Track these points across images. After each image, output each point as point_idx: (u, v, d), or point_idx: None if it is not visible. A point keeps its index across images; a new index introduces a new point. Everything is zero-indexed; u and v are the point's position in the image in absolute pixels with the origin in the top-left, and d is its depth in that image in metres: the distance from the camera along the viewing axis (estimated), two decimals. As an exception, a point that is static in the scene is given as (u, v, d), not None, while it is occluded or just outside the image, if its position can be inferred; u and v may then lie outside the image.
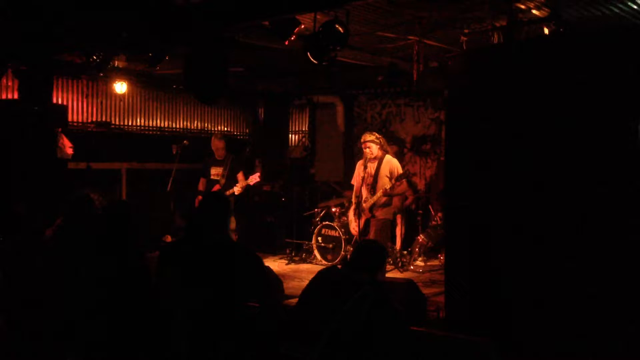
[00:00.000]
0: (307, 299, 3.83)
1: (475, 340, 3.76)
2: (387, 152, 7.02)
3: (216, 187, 8.44)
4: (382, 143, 6.98)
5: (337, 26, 5.49)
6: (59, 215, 4.79)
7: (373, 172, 6.90)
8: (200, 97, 6.56)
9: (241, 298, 3.59)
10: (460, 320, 4.87)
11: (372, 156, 6.90)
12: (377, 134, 7.05)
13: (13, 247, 4.67)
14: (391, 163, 6.90)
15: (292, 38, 5.84)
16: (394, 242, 8.86)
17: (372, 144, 6.89)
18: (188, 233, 3.83)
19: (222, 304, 3.51)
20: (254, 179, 8.36)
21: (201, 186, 8.68)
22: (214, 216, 3.80)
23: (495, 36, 5.82)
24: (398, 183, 6.78)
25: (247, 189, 8.57)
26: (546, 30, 5.70)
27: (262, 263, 3.84)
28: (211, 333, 3.48)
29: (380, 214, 6.86)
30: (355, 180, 7.15)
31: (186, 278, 3.62)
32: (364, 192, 6.97)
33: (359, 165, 7.13)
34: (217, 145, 8.58)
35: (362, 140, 7.06)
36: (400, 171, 6.85)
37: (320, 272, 3.93)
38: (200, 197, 8.47)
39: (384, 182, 6.81)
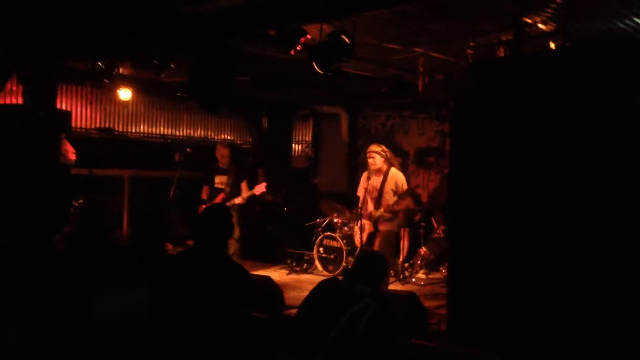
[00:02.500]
0: (307, 310, 3.80)
1: (477, 353, 3.72)
2: (392, 166, 6.98)
3: (221, 196, 8.42)
4: (389, 157, 6.95)
5: (343, 37, 5.48)
6: (66, 222, 4.73)
7: (378, 185, 6.87)
8: (205, 106, 6.56)
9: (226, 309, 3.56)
10: (462, 333, 4.83)
11: (376, 168, 6.87)
12: (384, 147, 7.02)
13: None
14: (396, 177, 6.87)
15: (298, 48, 5.83)
16: (398, 256, 8.83)
17: (377, 155, 6.87)
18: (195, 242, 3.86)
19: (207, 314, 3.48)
20: (260, 188, 8.33)
21: (205, 195, 8.66)
22: (208, 226, 3.84)
23: (502, 50, 5.82)
24: (402, 199, 6.75)
25: (251, 198, 8.55)
26: (552, 45, 5.69)
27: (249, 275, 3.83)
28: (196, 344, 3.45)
29: (384, 227, 6.83)
30: (360, 192, 7.12)
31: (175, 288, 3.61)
32: (369, 205, 6.94)
33: (364, 176, 7.11)
34: (222, 153, 8.57)
35: (367, 150, 7.05)
36: (406, 186, 6.82)
37: (320, 283, 3.89)
38: (204, 206, 8.46)
39: (389, 197, 6.78)
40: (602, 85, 4.23)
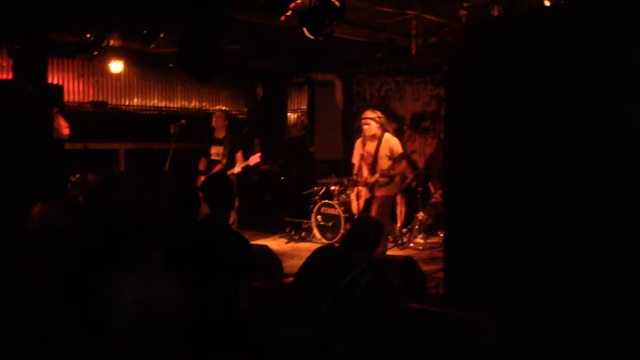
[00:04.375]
0: (303, 278, 3.80)
1: (474, 316, 3.73)
2: (386, 131, 6.95)
3: (217, 167, 8.38)
4: (383, 122, 6.91)
5: (333, 0, 5.39)
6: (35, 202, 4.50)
7: (373, 151, 6.83)
8: (195, 75, 6.50)
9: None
10: (460, 296, 4.84)
11: (370, 134, 6.82)
12: (379, 113, 6.98)
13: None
14: (390, 142, 6.83)
15: (289, 13, 5.73)
16: (395, 221, 8.84)
17: (371, 122, 6.82)
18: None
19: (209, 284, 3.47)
20: (255, 159, 8.31)
21: (202, 166, 8.62)
22: (212, 195, 3.81)
23: (496, 9, 5.71)
24: (397, 163, 6.73)
25: (246, 168, 8.52)
26: (547, 3, 5.59)
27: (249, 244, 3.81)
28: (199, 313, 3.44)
29: (380, 192, 6.81)
30: (355, 159, 7.09)
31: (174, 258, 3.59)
32: (364, 171, 6.91)
33: (358, 143, 7.07)
34: (218, 120, 8.52)
35: (362, 116, 7.00)
36: (400, 150, 6.78)
37: (316, 251, 3.89)
38: (202, 177, 8.42)
39: (384, 162, 6.75)
40: (600, 41, 4.15)
